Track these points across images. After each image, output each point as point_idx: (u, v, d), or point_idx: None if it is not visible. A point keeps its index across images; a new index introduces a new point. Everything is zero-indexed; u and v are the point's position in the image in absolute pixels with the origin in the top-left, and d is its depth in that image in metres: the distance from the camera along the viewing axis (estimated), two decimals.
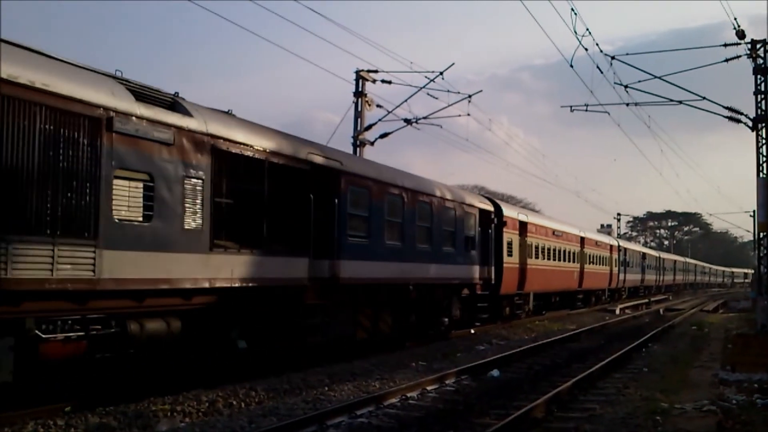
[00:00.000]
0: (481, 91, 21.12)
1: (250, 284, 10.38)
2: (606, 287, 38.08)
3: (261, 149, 10.75)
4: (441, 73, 20.65)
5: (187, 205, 9.21)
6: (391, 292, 15.02)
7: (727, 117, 20.02)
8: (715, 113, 20.38)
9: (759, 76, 19.59)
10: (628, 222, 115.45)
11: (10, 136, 7.06)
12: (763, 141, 19.60)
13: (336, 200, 12.70)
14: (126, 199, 8.35)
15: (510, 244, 22.36)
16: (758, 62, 19.63)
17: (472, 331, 19.61)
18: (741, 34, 18.78)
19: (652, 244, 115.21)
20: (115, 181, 8.17)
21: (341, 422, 8.06)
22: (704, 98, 19.88)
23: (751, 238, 45.57)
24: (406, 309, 16.02)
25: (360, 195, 13.58)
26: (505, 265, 21.57)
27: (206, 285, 9.49)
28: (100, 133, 7.96)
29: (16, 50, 7.53)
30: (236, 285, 10.07)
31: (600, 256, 36.03)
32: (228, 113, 11.05)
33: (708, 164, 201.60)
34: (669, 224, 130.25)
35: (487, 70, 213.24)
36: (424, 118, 22.27)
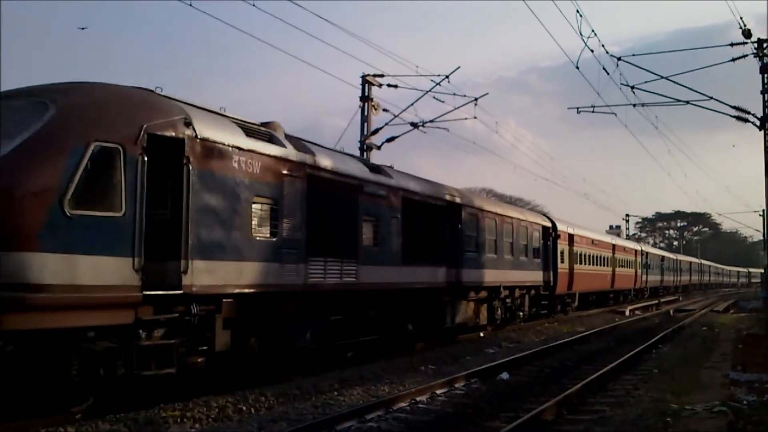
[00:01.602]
0: (487, 93, 22.62)
1: (419, 286, 15.43)
2: (632, 287, 43.02)
3: (423, 194, 15.83)
4: (447, 77, 20.77)
5: (392, 235, 14.27)
6: (488, 292, 20.02)
7: (734, 116, 19.84)
8: (722, 113, 20.18)
9: (766, 75, 19.60)
10: (637, 223, 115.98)
11: (330, 201, 12.06)
12: None
13: (459, 225, 17.73)
14: (366, 233, 13.41)
15: (562, 252, 27.32)
16: (765, 61, 19.50)
17: (482, 335, 20.13)
18: (747, 34, 18.73)
19: (662, 245, 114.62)
20: (363, 224, 13.23)
21: (351, 427, 8.06)
22: (711, 98, 19.64)
23: (761, 238, 44.16)
24: (497, 304, 21.04)
25: (471, 220, 18.62)
26: (559, 270, 26.53)
27: (398, 287, 14.54)
28: (357, 194, 13.03)
29: (319, 148, 12.48)
30: (412, 287, 15.11)
31: (627, 260, 40.93)
32: (391, 167, 16.06)
33: (716, 164, 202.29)
34: (678, 225, 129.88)
35: (494, 72, 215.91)
36: (431, 121, 22.55)
